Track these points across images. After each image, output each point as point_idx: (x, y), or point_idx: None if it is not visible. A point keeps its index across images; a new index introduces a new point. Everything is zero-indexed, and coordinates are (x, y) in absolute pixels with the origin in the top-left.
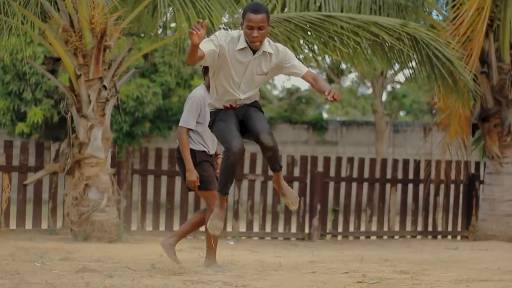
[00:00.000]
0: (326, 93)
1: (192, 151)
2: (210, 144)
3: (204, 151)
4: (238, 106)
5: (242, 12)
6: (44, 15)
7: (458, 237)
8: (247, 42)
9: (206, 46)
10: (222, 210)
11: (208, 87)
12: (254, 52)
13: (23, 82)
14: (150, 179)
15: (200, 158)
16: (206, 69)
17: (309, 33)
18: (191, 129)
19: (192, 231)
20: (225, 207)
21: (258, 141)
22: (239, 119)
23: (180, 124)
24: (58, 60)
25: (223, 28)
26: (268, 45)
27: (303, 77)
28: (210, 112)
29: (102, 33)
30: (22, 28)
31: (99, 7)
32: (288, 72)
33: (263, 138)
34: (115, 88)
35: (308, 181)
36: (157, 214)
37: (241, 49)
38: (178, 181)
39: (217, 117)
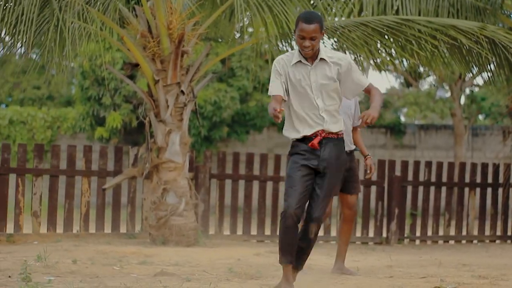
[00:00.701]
0: (362, 115)
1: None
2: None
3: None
4: (323, 136)
5: (296, 20)
6: (122, 21)
7: None
8: (301, 53)
9: (278, 87)
10: (287, 283)
11: None
12: (312, 62)
13: (102, 87)
14: (228, 183)
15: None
16: None
17: (386, 36)
18: None
19: (347, 241)
20: (291, 280)
21: (305, 221)
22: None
23: None
24: (136, 65)
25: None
26: (325, 54)
27: (365, 90)
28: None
29: (179, 39)
30: (101, 34)
31: (176, 12)
32: (350, 83)
33: (310, 226)
34: (193, 93)
35: (386, 185)
36: (235, 218)
37: (295, 63)
38: (255, 185)
39: (291, 156)
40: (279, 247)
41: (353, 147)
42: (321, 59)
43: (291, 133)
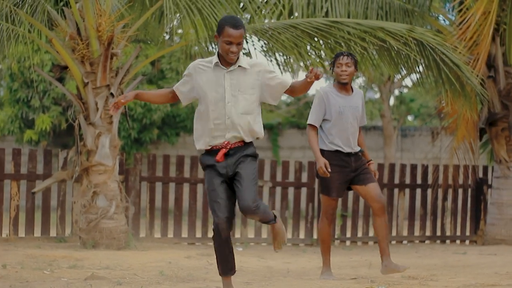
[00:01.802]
0: (308, 75)
1: (322, 152)
2: (341, 140)
3: (337, 151)
4: (230, 147)
5: (218, 24)
6: (51, 23)
7: (467, 242)
8: (219, 58)
9: (181, 87)
10: None
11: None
12: (227, 66)
13: (31, 89)
14: (158, 186)
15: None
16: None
17: (316, 38)
18: (321, 126)
19: (384, 236)
20: None
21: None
22: (229, 175)
23: (308, 122)
24: (65, 68)
25: None
26: (244, 61)
27: (289, 90)
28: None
29: (109, 41)
30: (29, 36)
31: (105, 14)
32: (273, 85)
33: (250, 217)
34: None
35: (316, 186)
36: (166, 221)
37: (214, 65)
38: (186, 187)
39: (205, 171)
40: (217, 260)
41: (358, 148)
42: (239, 66)
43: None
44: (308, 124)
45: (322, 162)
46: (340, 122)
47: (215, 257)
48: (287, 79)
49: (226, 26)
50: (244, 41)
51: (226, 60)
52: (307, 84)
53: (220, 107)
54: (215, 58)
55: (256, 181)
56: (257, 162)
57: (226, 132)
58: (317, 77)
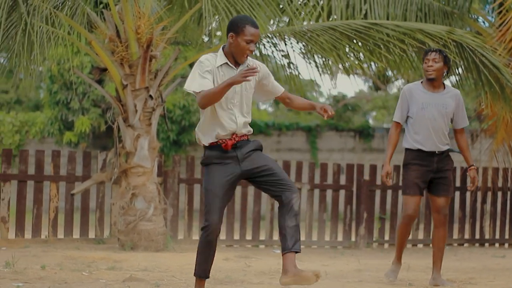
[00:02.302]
0: (319, 109)
1: (405, 150)
2: (423, 138)
3: (419, 149)
4: (237, 140)
5: (235, 23)
6: (90, 25)
7: (506, 245)
8: (229, 57)
9: (208, 83)
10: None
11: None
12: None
13: (70, 91)
14: (197, 187)
15: (406, 160)
16: None
17: (354, 41)
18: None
19: (440, 248)
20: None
21: (285, 200)
22: (242, 170)
23: (393, 118)
24: (104, 70)
25: (268, 37)
26: (251, 62)
27: (280, 97)
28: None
29: (148, 43)
30: (69, 38)
31: (145, 17)
32: (265, 90)
33: (295, 199)
34: (161, 98)
35: (354, 189)
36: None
37: (221, 65)
38: None
39: (209, 166)
40: (196, 260)
41: (446, 147)
42: (248, 65)
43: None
44: (393, 121)
45: (384, 170)
46: (422, 119)
47: (196, 257)
48: (281, 88)
49: (246, 25)
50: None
51: (236, 59)
52: (311, 109)
53: (230, 105)
54: (221, 57)
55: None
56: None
57: (235, 128)
58: (328, 116)
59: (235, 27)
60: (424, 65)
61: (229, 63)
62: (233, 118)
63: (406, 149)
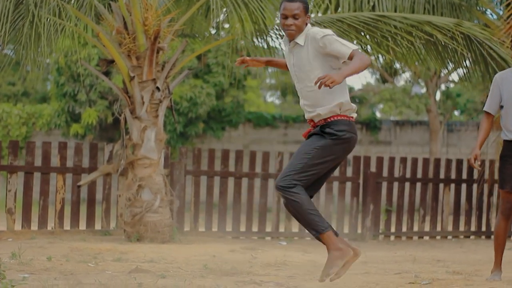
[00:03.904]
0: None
1: (503, 142)
2: None
3: (510, 141)
4: (313, 125)
5: (280, 4)
6: (98, 17)
7: None
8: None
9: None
10: (338, 250)
11: None
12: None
13: (77, 83)
14: (203, 179)
15: (503, 152)
16: None
17: (362, 33)
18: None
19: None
20: (343, 242)
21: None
22: None
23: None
24: (112, 62)
25: (276, 29)
26: (302, 38)
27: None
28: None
29: (155, 35)
30: (76, 30)
31: (152, 9)
32: (332, 56)
33: (275, 189)
34: (168, 90)
35: (361, 181)
36: (210, 214)
37: (285, 44)
38: (231, 181)
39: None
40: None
41: None
42: (296, 43)
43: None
44: (483, 111)
45: (473, 153)
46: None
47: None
48: (347, 49)
49: (282, 2)
50: (305, 18)
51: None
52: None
53: (296, 85)
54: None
55: (304, 158)
56: (332, 141)
57: (307, 109)
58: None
59: (279, 7)
60: None
61: (287, 41)
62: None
63: (504, 141)
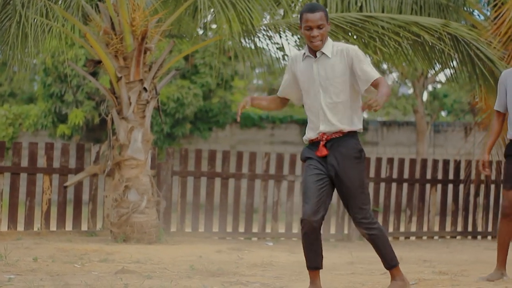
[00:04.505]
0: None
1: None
2: None
3: None
4: (326, 139)
5: (299, 17)
6: (85, 17)
7: None
8: (309, 48)
9: (283, 89)
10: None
11: None
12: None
13: (64, 84)
14: (190, 180)
15: (507, 151)
16: None
17: (349, 33)
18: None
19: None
20: (318, 284)
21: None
22: (329, 174)
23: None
24: (99, 62)
25: (263, 30)
26: (330, 48)
27: (373, 84)
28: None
29: (142, 36)
30: (64, 30)
31: (140, 9)
32: (357, 72)
33: (356, 224)
34: (156, 90)
35: None
36: (197, 215)
37: (304, 58)
38: (217, 182)
39: (305, 164)
40: (304, 252)
41: None
42: (323, 53)
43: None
44: (494, 110)
45: (481, 158)
46: None
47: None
48: (374, 74)
49: (303, 13)
50: (327, 26)
51: (313, 49)
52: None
53: (313, 98)
54: (306, 50)
55: (363, 188)
56: (363, 161)
57: (321, 123)
58: (370, 109)
59: (299, 18)
60: None
61: (308, 53)
62: None
63: (510, 140)
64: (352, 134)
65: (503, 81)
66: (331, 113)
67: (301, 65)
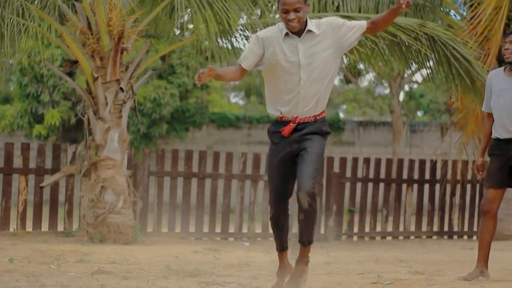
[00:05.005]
0: (398, 6)
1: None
2: (499, 126)
3: (497, 138)
4: (299, 122)
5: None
6: (61, 17)
7: (474, 237)
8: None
9: (247, 60)
10: (282, 269)
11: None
12: (299, 35)
13: (40, 84)
14: (166, 180)
15: (489, 150)
16: None
17: None
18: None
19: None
20: (286, 265)
21: (296, 195)
22: (295, 154)
23: None
24: (75, 62)
25: (240, 30)
26: (313, 25)
27: (366, 31)
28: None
29: (119, 36)
30: (40, 30)
31: (116, 9)
32: (350, 36)
33: (300, 196)
34: (132, 90)
35: (324, 181)
36: (173, 215)
37: (285, 38)
38: (194, 182)
39: (269, 153)
40: (274, 236)
41: None
42: (308, 30)
43: (272, 110)
44: (485, 112)
45: (475, 163)
46: (498, 106)
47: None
48: (362, 22)
49: None
50: (306, 7)
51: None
52: (396, 13)
53: (292, 78)
54: (284, 28)
55: (319, 160)
56: (325, 139)
57: (298, 104)
58: (408, 5)
59: (277, 2)
60: (503, 49)
61: (289, 33)
62: None
63: (493, 139)
64: (322, 119)
65: (488, 83)
66: (310, 94)
67: (281, 43)
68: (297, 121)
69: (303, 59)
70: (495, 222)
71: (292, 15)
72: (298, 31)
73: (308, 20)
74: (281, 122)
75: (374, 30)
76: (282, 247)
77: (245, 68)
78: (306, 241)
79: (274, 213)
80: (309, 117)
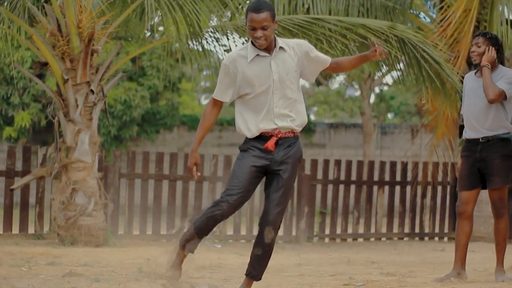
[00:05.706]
0: (372, 54)
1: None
2: (467, 126)
3: (467, 139)
4: (281, 136)
5: (245, 12)
6: (31, 19)
7: (445, 239)
8: (255, 46)
9: (222, 93)
10: (175, 267)
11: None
12: (269, 53)
13: (10, 86)
14: (138, 182)
15: (462, 151)
16: None
17: (297, 35)
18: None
19: (497, 239)
20: (179, 266)
21: (260, 225)
22: (266, 166)
23: None
24: (45, 64)
25: (211, 32)
26: (284, 44)
27: (328, 68)
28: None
29: (89, 37)
30: (10, 32)
31: (86, 11)
32: (314, 66)
33: (266, 230)
34: (103, 92)
35: (295, 183)
36: (144, 218)
37: (253, 58)
38: (165, 184)
39: (240, 158)
40: (193, 226)
41: (491, 134)
42: (280, 47)
43: (244, 130)
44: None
45: (457, 165)
46: (467, 106)
47: (197, 220)
48: (327, 58)
49: (248, 12)
50: (273, 25)
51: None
52: (364, 60)
53: (267, 96)
54: (253, 49)
55: (290, 189)
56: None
57: (276, 121)
58: (381, 56)
59: (245, 17)
60: (470, 51)
61: (260, 53)
62: None
63: (464, 140)
64: (297, 137)
65: (464, 85)
66: (286, 109)
67: (248, 65)
68: (279, 136)
69: (276, 76)
70: (471, 223)
71: (259, 33)
72: (268, 48)
73: (277, 38)
74: (261, 138)
75: (335, 70)
76: (200, 234)
77: (223, 101)
78: (258, 276)
79: (223, 209)
80: (288, 132)
